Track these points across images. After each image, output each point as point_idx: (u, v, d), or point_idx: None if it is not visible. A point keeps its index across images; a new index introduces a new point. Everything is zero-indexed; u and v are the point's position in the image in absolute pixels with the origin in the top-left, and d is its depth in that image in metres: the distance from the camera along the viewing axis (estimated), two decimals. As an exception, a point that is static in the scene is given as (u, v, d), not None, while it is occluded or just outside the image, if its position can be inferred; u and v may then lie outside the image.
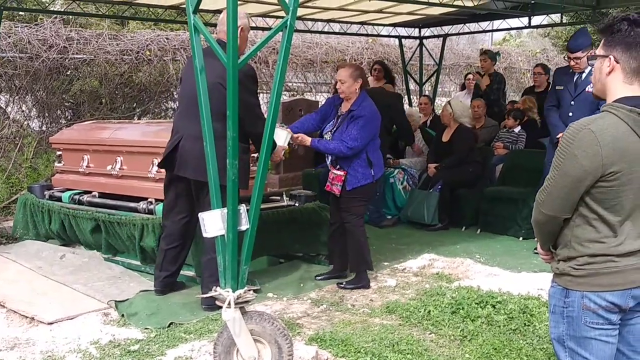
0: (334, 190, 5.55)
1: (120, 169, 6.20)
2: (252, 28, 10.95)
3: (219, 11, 8.93)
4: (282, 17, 3.74)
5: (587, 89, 6.22)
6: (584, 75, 6.28)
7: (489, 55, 9.95)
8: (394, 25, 11.39)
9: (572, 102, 6.27)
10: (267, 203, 6.03)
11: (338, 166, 5.53)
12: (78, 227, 6.38)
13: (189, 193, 4.99)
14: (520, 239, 7.39)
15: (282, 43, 3.67)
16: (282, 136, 5.31)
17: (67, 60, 10.04)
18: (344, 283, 5.62)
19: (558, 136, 6.32)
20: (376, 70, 9.85)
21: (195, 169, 4.71)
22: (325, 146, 5.50)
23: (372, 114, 5.46)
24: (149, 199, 5.86)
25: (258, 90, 5.03)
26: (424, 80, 12.40)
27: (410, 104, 12.25)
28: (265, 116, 3.78)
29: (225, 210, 3.59)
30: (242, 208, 3.63)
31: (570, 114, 6.23)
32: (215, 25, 10.24)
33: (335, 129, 5.57)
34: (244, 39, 4.76)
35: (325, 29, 11.60)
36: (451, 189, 7.96)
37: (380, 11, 9.79)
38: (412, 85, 12.98)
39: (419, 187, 8.25)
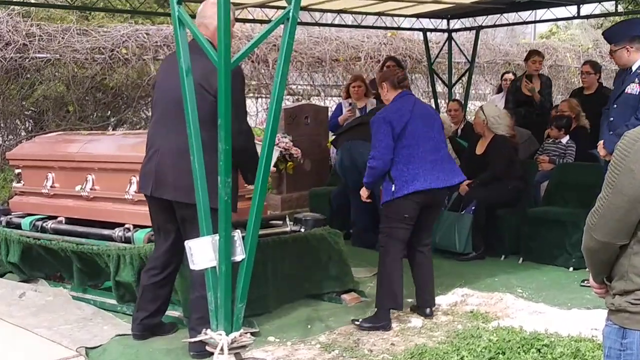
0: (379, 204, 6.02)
1: (91, 189, 6.24)
2: (249, 21, 11.05)
3: None
4: (283, 8, 3.79)
5: (627, 90, 6.22)
6: (631, 73, 6.29)
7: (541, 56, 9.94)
8: (418, 16, 11.46)
9: (615, 105, 6.30)
10: (266, 228, 6.05)
11: None
12: (45, 256, 6.43)
13: (172, 218, 5.02)
14: (571, 269, 7.37)
15: (284, 38, 3.73)
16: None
17: (27, 60, 10.14)
18: (360, 320, 5.64)
19: (598, 145, 6.36)
20: (389, 67, 9.88)
21: (176, 189, 4.73)
22: (365, 177, 5.87)
23: (379, 114, 5.84)
24: (126, 225, 5.89)
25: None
26: (453, 81, 12.45)
27: (437, 110, 12.28)
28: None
29: (216, 237, 3.63)
30: (237, 234, 3.67)
31: (611, 118, 6.27)
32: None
33: None
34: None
35: (336, 21, 11.71)
36: (487, 210, 7.96)
37: (400, -1, 9.88)
38: (440, 87, 13.04)
39: (448, 208, 8.23)
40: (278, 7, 9.96)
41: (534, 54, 9.96)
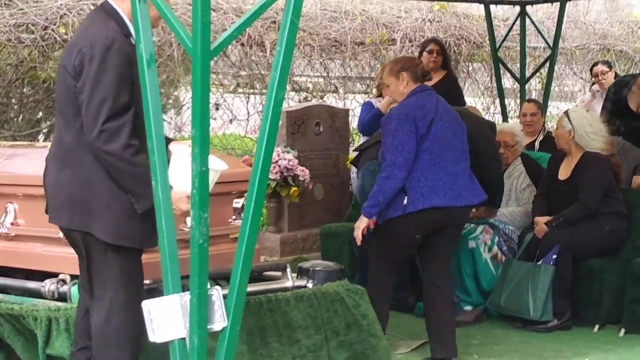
0: (371, 224, 6.63)
1: (12, 224, 6.25)
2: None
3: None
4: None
5: None
6: None
7: None
8: (477, -19, 11.52)
9: None
10: (258, 283, 6.06)
11: None
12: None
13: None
14: (695, 345, 7.35)
15: (286, 13, 3.76)
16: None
17: None
18: None
19: None
20: (432, 52, 9.81)
21: (54, 208, 4.89)
22: (373, 197, 6.52)
23: (397, 113, 6.50)
24: (61, 276, 5.89)
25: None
26: (528, 74, 12.43)
27: (504, 115, 12.26)
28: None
29: (186, 296, 3.63)
30: (216, 293, 3.67)
31: None
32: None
33: None
34: None
35: (361, -11, 11.74)
36: (575, 259, 7.93)
37: (453, -41, 9.92)
38: (509, 82, 13.03)
39: (519, 257, 8.22)
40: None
41: None
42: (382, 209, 6.44)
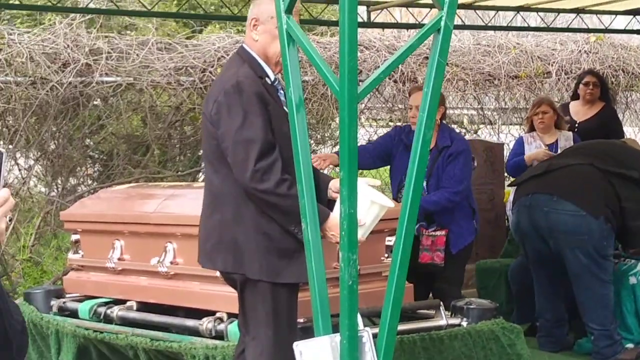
0: (436, 259, 7.10)
1: (172, 263, 6.33)
2: (390, 25, 11.13)
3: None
4: (433, 6, 3.82)
5: None
6: None
7: None
8: (635, 12, 11.29)
9: None
10: (410, 322, 6.03)
11: (434, 225, 7.16)
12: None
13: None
14: None
15: (433, 55, 3.78)
16: (364, 203, 4.83)
17: (91, 85, 10.39)
18: None
19: None
20: (589, 85, 9.66)
21: (206, 253, 5.02)
22: (428, 202, 6.98)
23: (464, 149, 7.38)
24: (218, 314, 5.96)
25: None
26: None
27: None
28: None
29: (337, 337, 3.63)
30: (366, 334, 3.66)
31: None
32: (322, 23, 10.39)
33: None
34: (266, 42, 4.85)
35: (515, 23, 11.62)
36: None
37: (609, -10, 9.77)
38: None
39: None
40: (427, 5, 10.00)
41: None
42: (456, 237, 7.14)
